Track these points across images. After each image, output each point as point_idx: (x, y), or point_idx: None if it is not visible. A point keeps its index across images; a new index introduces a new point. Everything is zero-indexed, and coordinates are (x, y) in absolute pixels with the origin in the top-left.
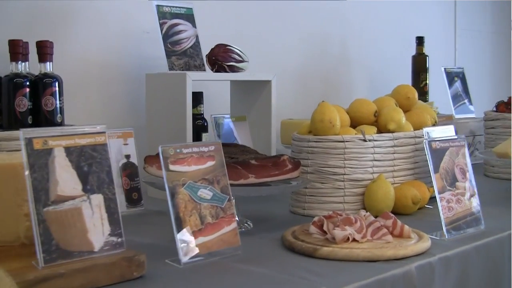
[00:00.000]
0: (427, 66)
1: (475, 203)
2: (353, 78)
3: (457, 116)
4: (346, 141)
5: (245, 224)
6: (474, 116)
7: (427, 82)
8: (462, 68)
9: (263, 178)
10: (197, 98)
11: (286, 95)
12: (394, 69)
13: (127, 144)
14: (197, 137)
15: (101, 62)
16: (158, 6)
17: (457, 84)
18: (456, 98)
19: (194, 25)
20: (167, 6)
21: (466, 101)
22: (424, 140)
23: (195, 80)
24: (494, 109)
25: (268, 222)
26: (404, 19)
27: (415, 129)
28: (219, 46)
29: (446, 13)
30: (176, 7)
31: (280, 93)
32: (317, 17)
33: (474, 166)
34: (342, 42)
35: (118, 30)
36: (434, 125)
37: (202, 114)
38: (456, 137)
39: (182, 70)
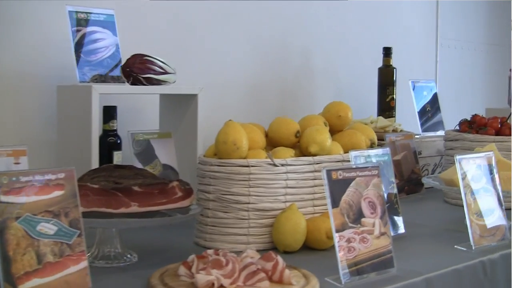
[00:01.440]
0: (394, 79)
1: (386, 242)
2: (317, 91)
3: (425, 134)
4: (252, 166)
5: (127, 257)
6: (443, 134)
7: (394, 96)
8: (433, 81)
9: (148, 207)
10: (110, 112)
11: (236, 109)
12: (365, 82)
13: (18, 163)
14: (108, 155)
15: (14, 73)
16: (71, 12)
17: (427, 99)
18: (424, 114)
19: (114, 33)
20: (82, 13)
21: (436, 117)
22: (322, 169)
23: (103, 93)
24: (458, 127)
25: (163, 254)
26: (378, 28)
27: (347, 152)
28: (135, 56)
29: (427, 22)
30: (94, 13)
31: (227, 106)
32: (274, 24)
33: (433, 190)
34: (304, 52)
35: (32, 39)
36: (372, 147)
37: (116, 130)
38: (367, 165)
39: (96, 82)
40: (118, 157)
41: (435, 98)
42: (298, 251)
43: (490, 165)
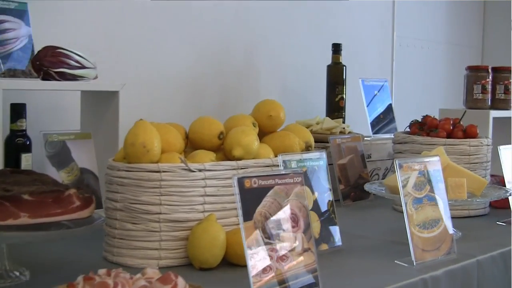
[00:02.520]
0: (344, 77)
1: (311, 259)
2: (262, 90)
3: (376, 137)
4: (163, 171)
5: (16, 276)
6: None
7: (344, 96)
8: (385, 80)
9: (40, 218)
10: (17, 111)
11: (168, 108)
12: (314, 81)
13: None
14: (16, 158)
15: None
16: None
17: (378, 98)
18: (376, 114)
19: (27, 23)
20: None
21: (389, 118)
22: (233, 177)
23: (8, 89)
24: (408, 129)
25: (61, 271)
26: (330, 25)
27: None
28: (46, 48)
29: (383, 20)
30: (3, 1)
31: (159, 106)
32: (215, 17)
33: (382, 197)
34: (248, 48)
35: None
36: (308, 150)
37: (25, 130)
38: (288, 171)
39: (4, 76)
40: (26, 160)
41: (387, 98)
42: (216, 268)
43: (436, 171)
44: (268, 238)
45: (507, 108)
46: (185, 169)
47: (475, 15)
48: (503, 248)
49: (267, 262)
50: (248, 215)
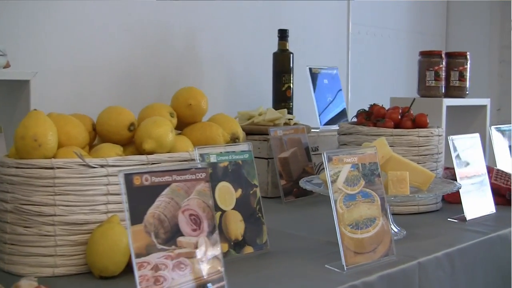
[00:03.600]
0: (291, 65)
1: (216, 267)
2: (205, 79)
3: (325, 128)
4: (58, 168)
5: None
6: None
7: (291, 85)
8: (336, 68)
9: None
10: None
11: (104, 101)
12: (263, 69)
13: None
14: None
15: None
16: None
17: (328, 87)
18: (324, 103)
19: None
20: None
21: (340, 108)
22: (119, 173)
23: None
24: (355, 119)
25: None
26: (278, 9)
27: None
28: None
29: (337, 5)
30: None
31: (86, 97)
32: (150, 3)
33: None
34: (189, 34)
35: None
36: (234, 142)
37: None
38: (190, 166)
39: None
40: None
41: (338, 87)
42: (119, 276)
43: (372, 164)
44: (163, 243)
45: (462, 96)
46: (84, 165)
47: (438, 2)
48: (449, 248)
49: (160, 271)
50: (137, 217)
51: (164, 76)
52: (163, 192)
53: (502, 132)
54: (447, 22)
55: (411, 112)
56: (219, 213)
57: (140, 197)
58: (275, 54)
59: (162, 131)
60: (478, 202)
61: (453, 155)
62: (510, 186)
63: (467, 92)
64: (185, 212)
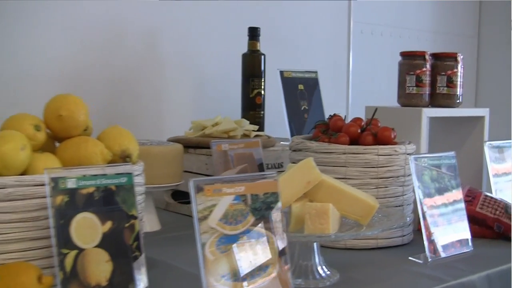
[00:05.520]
0: (263, 68)
1: None
2: (168, 84)
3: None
4: None
5: None
6: None
7: (262, 91)
8: (316, 72)
9: None
10: None
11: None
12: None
13: None
14: None
15: None
16: None
17: (301, 94)
18: (297, 113)
19: None
20: None
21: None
22: None
23: None
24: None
25: None
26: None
27: None
28: None
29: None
30: None
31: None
32: None
33: None
34: (149, 34)
35: None
36: (125, 162)
37: None
38: None
39: None
40: None
41: (316, 93)
42: None
43: (270, 195)
44: None
45: (451, 106)
46: None
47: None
48: None
49: None
50: None
51: (117, 81)
52: None
53: (500, 149)
54: (479, 23)
55: (381, 125)
56: (74, 252)
57: None
58: (244, 56)
59: (8, 149)
60: (448, 237)
61: (415, 178)
62: (500, 215)
63: (458, 101)
64: None
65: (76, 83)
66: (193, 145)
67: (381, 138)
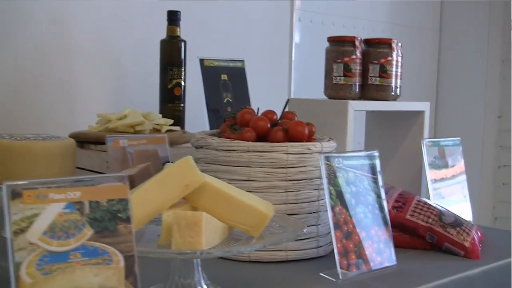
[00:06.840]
0: (182, 57)
1: None
2: (81, 81)
3: None
4: None
5: None
6: None
7: (182, 82)
8: (242, 61)
9: None
10: None
11: None
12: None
13: None
14: None
15: None
16: None
17: (225, 85)
18: (219, 105)
19: None
20: None
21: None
22: None
23: None
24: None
25: None
26: None
27: None
28: None
29: None
30: None
31: None
32: None
33: None
34: (54, 21)
35: None
36: None
37: None
38: None
39: None
40: None
41: (242, 84)
42: None
43: (117, 202)
44: None
45: (385, 98)
46: None
47: None
48: None
49: None
50: None
51: (14, 74)
52: None
53: (440, 147)
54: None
55: (300, 119)
56: None
57: None
58: (162, 42)
59: None
60: (366, 250)
61: (325, 181)
62: (432, 224)
63: (394, 93)
64: None
65: None
66: (93, 140)
67: (293, 134)
